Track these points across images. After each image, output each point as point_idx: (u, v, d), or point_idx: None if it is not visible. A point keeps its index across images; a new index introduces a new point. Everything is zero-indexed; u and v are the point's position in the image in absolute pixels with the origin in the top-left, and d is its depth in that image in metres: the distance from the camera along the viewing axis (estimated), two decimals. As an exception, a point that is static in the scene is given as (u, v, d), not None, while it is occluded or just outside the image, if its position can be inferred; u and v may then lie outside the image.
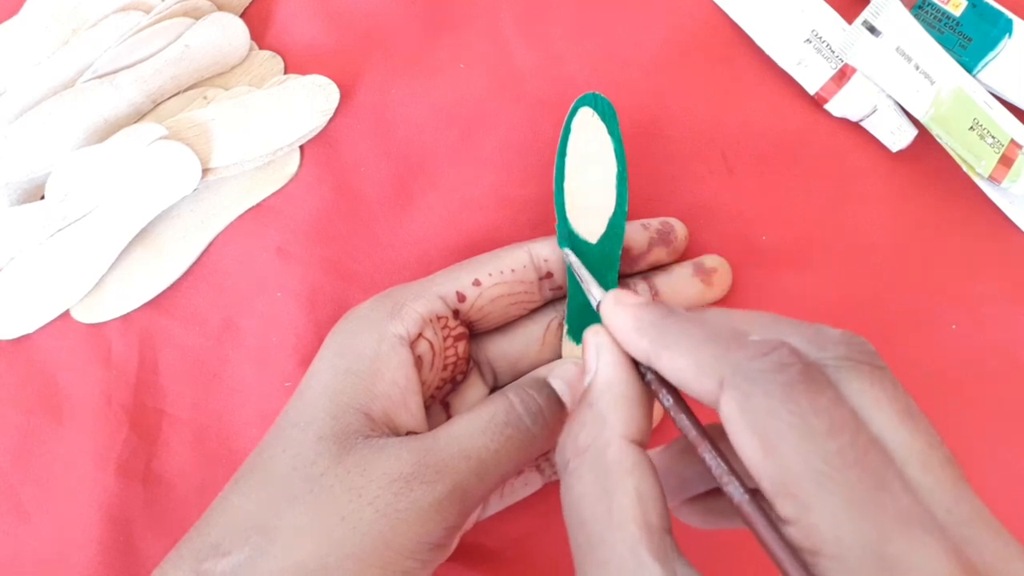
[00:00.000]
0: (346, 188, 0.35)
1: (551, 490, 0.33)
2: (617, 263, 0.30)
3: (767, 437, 0.17)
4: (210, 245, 0.35)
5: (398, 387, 0.26)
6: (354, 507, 0.23)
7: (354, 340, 0.27)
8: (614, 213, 0.30)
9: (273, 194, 0.35)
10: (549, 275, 0.30)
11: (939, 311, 0.35)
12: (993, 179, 0.34)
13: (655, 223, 0.32)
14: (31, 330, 0.34)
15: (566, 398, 0.27)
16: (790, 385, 0.17)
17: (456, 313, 0.29)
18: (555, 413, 0.27)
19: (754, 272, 0.35)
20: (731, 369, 0.18)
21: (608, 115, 0.30)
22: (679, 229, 0.32)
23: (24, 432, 0.33)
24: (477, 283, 0.29)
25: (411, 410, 0.26)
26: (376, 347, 0.26)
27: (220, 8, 0.36)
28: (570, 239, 0.29)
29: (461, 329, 0.29)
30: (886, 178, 0.36)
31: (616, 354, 0.21)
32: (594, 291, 0.26)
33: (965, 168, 0.34)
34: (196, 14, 0.35)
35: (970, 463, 0.34)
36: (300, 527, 0.23)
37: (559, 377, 0.28)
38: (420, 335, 0.27)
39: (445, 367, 0.29)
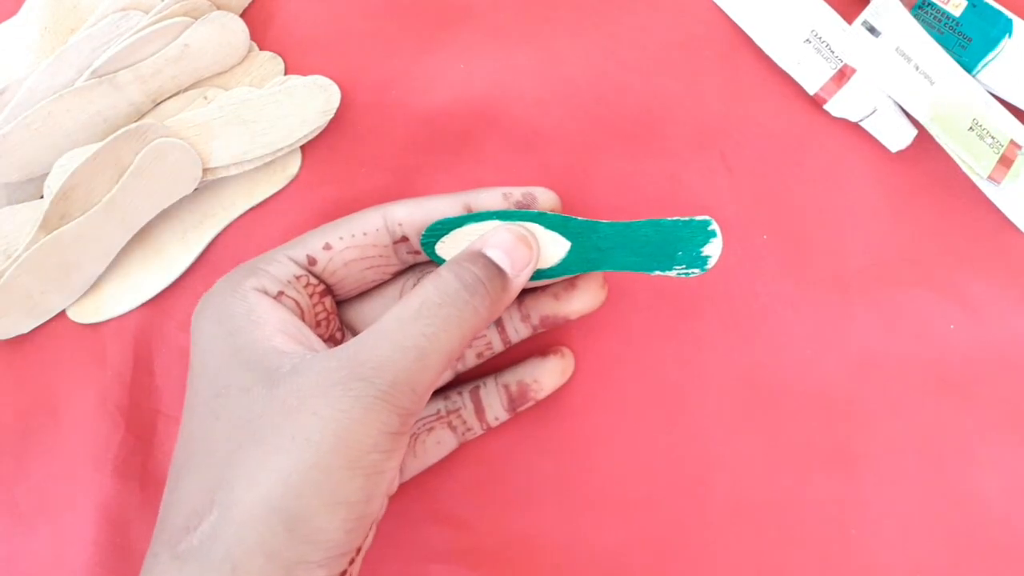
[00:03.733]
0: (347, 189, 0.35)
1: (555, 492, 0.33)
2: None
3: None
4: (210, 245, 0.34)
5: (287, 325, 0.26)
6: (299, 424, 0.22)
7: (222, 307, 0.26)
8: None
9: (274, 195, 0.35)
10: (404, 239, 0.29)
11: (939, 311, 0.35)
12: (992, 179, 0.34)
13: (517, 192, 0.30)
14: (26, 330, 0.34)
15: (506, 266, 0.27)
16: None
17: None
18: (495, 281, 0.26)
19: (754, 272, 0.35)
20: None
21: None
22: (543, 199, 0.30)
23: (20, 433, 0.33)
24: (328, 247, 0.28)
25: (317, 345, 0.26)
26: (243, 303, 0.26)
27: (219, 8, 0.36)
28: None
29: (323, 285, 0.29)
30: (885, 178, 0.36)
31: None
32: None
33: (964, 168, 0.34)
34: (195, 14, 0.35)
35: (970, 463, 0.34)
36: (256, 466, 0.22)
37: (495, 246, 0.27)
38: (282, 293, 0.27)
39: (318, 324, 0.29)
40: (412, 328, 0.24)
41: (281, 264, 0.28)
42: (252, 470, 0.22)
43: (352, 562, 0.23)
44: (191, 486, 0.23)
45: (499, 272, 0.26)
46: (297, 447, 0.22)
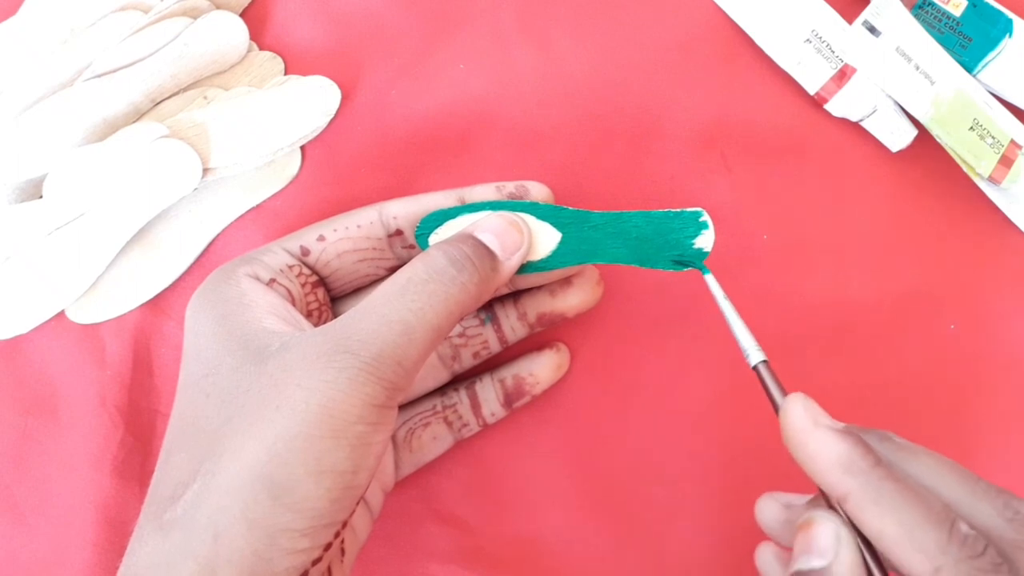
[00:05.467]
0: (347, 189, 0.35)
1: (554, 491, 0.33)
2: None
3: None
4: (209, 245, 0.34)
5: (278, 309, 0.26)
6: (285, 395, 0.22)
7: (215, 292, 0.26)
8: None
9: (274, 195, 0.35)
10: (399, 232, 0.30)
11: (939, 311, 0.35)
12: (993, 179, 0.34)
13: (510, 185, 0.30)
14: (26, 330, 0.34)
15: (496, 248, 0.27)
16: None
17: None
18: (484, 260, 0.26)
19: (754, 272, 0.35)
20: (951, 562, 0.20)
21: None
22: (535, 192, 0.31)
23: (20, 433, 0.33)
24: (322, 239, 0.29)
25: (308, 328, 0.26)
26: (237, 288, 0.26)
27: (219, 8, 0.36)
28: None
29: (316, 276, 0.29)
30: (886, 178, 0.36)
31: (856, 554, 0.22)
32: (751, 355, 0.26)
33: (965, 168, 0.34)
34: (195, 14, 0.35)
35: (970, 463, 0.34)
36: (242, 437, 0.22)
37: (485, 230, 0.27)
38: (274, 280, 0.27)
39: (310, 313, 0.29)
40: (398, 303, 0.24)
41: (275, 254, 0.28)
42: (238, 441, 0.22)
43: (338, 535, 0.23)
44: (179, 460, 0.23)
45: (488, 252, 0.26)
46: (282, 417, 0.22)
